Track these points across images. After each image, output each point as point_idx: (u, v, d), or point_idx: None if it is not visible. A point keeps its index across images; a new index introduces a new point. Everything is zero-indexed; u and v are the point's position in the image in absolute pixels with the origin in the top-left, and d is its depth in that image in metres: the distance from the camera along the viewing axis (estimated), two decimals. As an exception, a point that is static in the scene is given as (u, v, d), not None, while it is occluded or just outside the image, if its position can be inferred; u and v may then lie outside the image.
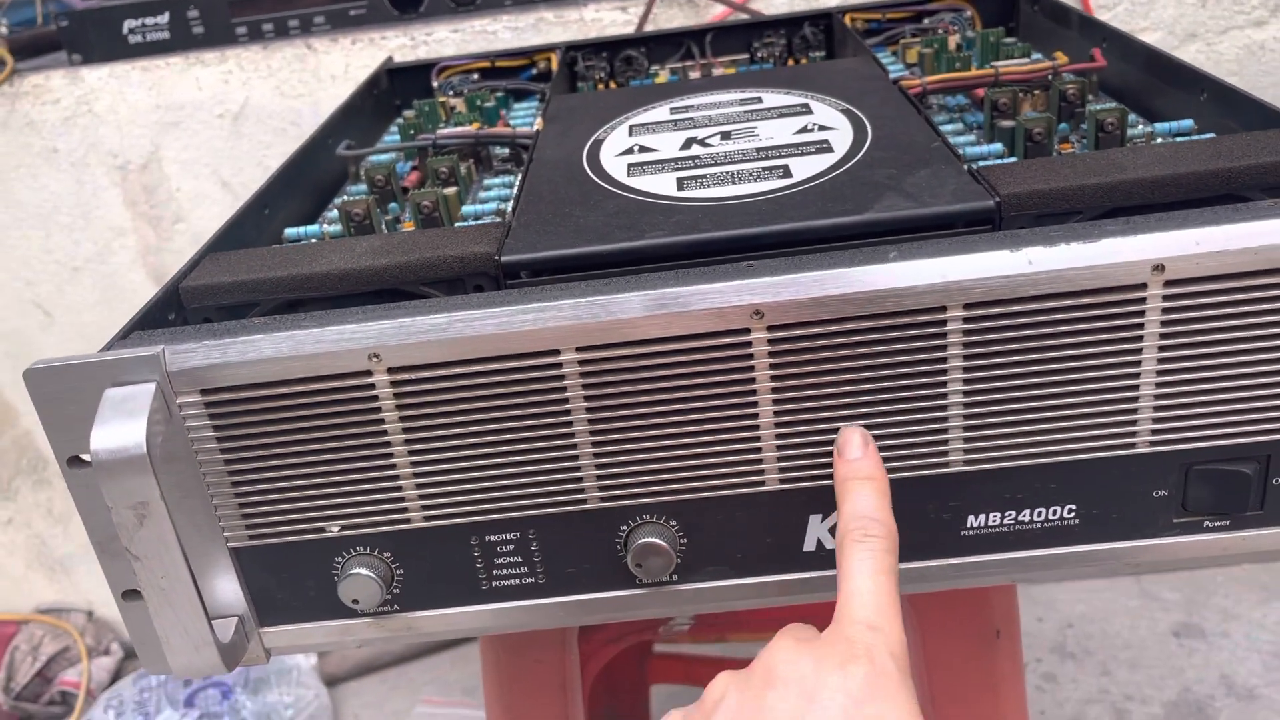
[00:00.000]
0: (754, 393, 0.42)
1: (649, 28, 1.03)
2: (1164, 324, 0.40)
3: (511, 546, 0.45)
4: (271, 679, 1.22)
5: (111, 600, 0.41)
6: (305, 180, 0.64)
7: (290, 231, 0.57)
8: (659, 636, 0.71)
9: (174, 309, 0.47)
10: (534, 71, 0.84)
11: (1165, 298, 0.40)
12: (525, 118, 0.73)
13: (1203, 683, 1.14)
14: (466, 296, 0.42)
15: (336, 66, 1.06)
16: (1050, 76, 0.61)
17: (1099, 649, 1.20)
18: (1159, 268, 0.39)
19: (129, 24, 1.06)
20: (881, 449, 0.42)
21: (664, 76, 0.82)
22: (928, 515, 0.44)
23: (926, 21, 0.81)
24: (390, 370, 0.41)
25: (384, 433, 0.42)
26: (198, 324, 0.47)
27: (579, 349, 0.41)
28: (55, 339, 1.20)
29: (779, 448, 0.43)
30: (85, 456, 0.41)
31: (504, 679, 0.65)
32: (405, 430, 0.42)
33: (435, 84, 0.83)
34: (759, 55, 0.84)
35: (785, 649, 0.37)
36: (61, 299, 1.18)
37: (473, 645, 1.32)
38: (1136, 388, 0.41)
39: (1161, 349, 0.40)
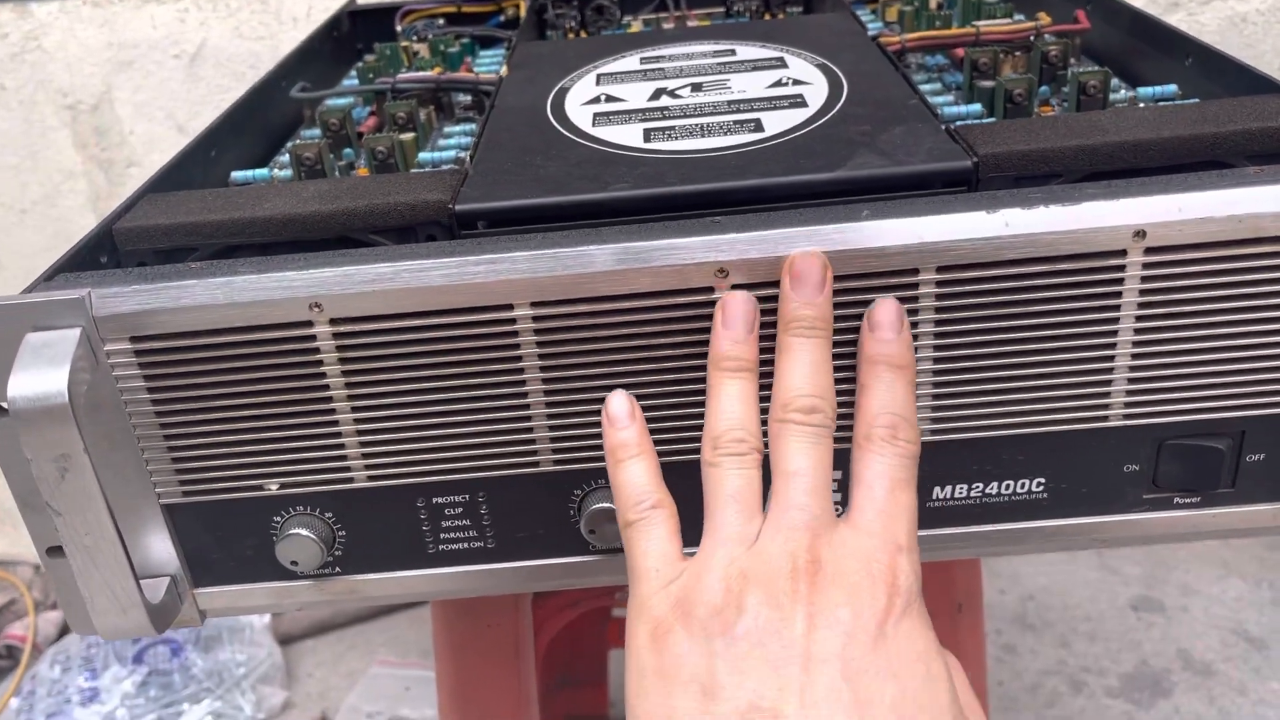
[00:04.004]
0: (716, 354, 0.40)
1: (623, -22, 0.99)
2: (1143, 292, 0.38)
3: (460, 509, 0.43)
4: (224, 637, 1.20)
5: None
6: (256, 122, 0.61)
7: (237, 175, 0.55)
8: (616, 602, 0.70)
9: (107, 251, 0.44)
10: (502, 19, 0.81)
11: (1145, 265, 0.38)
12: (492, 65, 0.70)
13: (1160, 656, 1.15)
14: (415, 246, 0.40)
15: (299, 9, 1.02)
16: (1032, 37, 0.59)
17: (1058, 621, 1.20)
18: (1140, 233, 0.37)
19: (81, -43, 1.02)
20: (845, 415, 0.40)
21: (637, 28, 0.80)
22: (892, 485, 0.42)
23: (908, -21, 0.79)
24: (332, 321, 0.39)
25: (326, 387, 0.40)
26: (132, 268, 0.45)
27: (534, 304, 0.39)
28: (1, 285, 1.16)
29: (741, 412, 0.41)
30: (4, 404, 0.39)
31: (455, 642, 0.63)
32: (348, 385, 0.40)
33: (399, 28, 0.80)
34: (735, 9, 0.81)
35: (809, 563, 0.34)
36: (8, 242, 1.14)
37: (429, 607, 1.31)
38: (1112, 358, 0.40)
39: (1139, 318, 0.39)
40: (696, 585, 0.35)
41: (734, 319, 0.38)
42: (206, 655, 1.18)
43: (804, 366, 0.37)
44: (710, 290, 0.39)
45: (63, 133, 1.07)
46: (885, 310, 0.38)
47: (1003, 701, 1.11)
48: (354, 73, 0.72)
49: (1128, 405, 0.41)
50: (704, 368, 0.40)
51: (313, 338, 0.39)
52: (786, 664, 0.33)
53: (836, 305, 0.39)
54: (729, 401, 0.38)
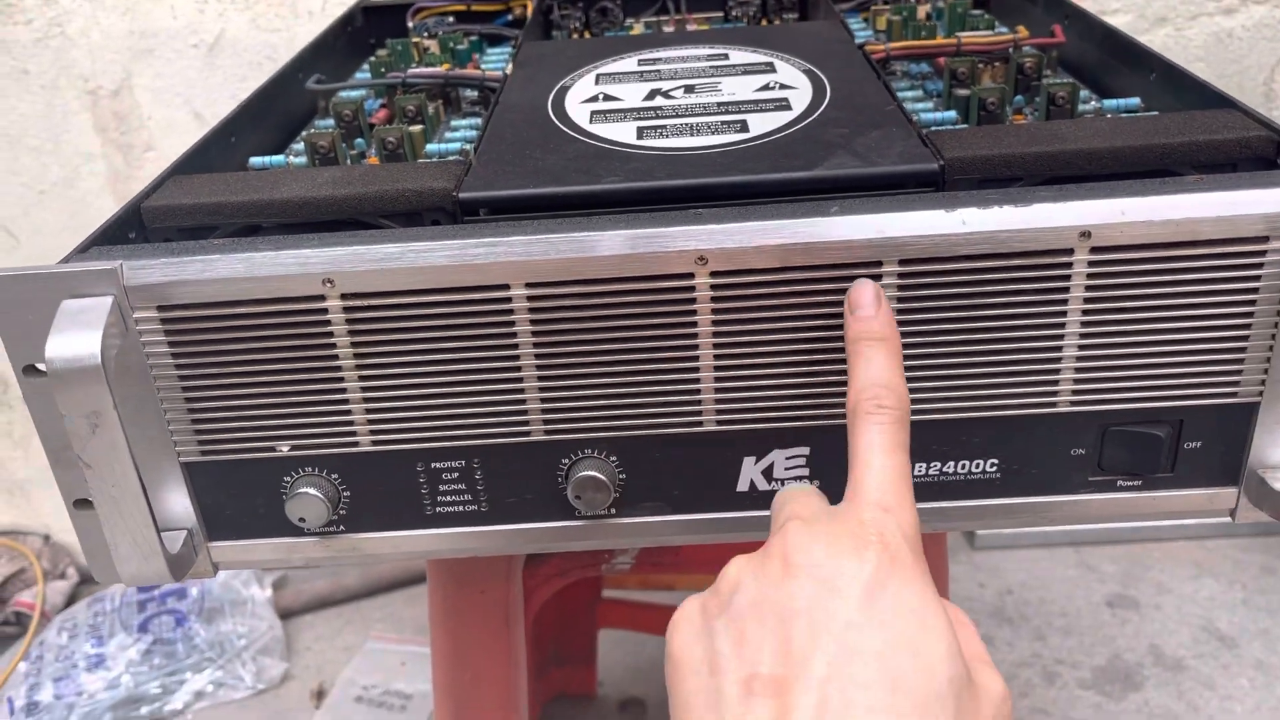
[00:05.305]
0: (695, 336, 0.43)
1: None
2: (1088, 289, 0.42)
3: (456, 474, 0.46)
4: (226, 609, 1.24)
5: (69, 525, 0.42)
6: (273, 111, 0.64)
7: (255, 160, 0.58)
8: (602, 573, 0.73)
9: (135, 228, 0.48)
10: (510, 17, 0.84)
11: (1091, 263, 0.41)
12: (498, 62, 0.73)
13: (1132, 651, 1.18)
14: (421, 229, 0.44)
15: (314, 2, 1.05)
16: (1011, 49, 0.63)
17: (1035, 615, 1.24)
18: (1086, 234, 0.41)
19: (105, -53, 1.05)
20: (811, 395, 0.43)
21: (639, 29, 0.83)
22: (857, 462, 0.46)
23: (899, -11, 0.82)
24: (343, 296, 0.42)
25: (335, 357, 0.43)
26: (158, 243, 0.48)
27: (528, 284, 0.42)
28: (20, 262, 1.20)
29: (717, 390, 0.44)
30: (41, 366, 0.42)
31: (450, 609, 0.67)
32: (356, 356, 0.43)
33: (410, 25, 0.83)
34: (733, 14, 0.85)
35: (798, 534, 0.36)
36: (28, 222, 1.17)
37: (426, 585, 1.34)
38: (1060, 349, 0.43)
39: (1085, 313, 0.42)
40: None
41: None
42: (209, 626, 1.22)
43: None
44: (690, 275, 0.42)
45: (83, 117, 1.11)
46: (860, 291, 0.41)
47: (979, 690, 1.14)
48: (366, 66, 0.76)
49: (1075, 393, 0.44)
50: (682, 347, 0.43)
51: (324, 311, 0.42)
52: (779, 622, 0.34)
53: (814, 294, 0.42)
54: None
